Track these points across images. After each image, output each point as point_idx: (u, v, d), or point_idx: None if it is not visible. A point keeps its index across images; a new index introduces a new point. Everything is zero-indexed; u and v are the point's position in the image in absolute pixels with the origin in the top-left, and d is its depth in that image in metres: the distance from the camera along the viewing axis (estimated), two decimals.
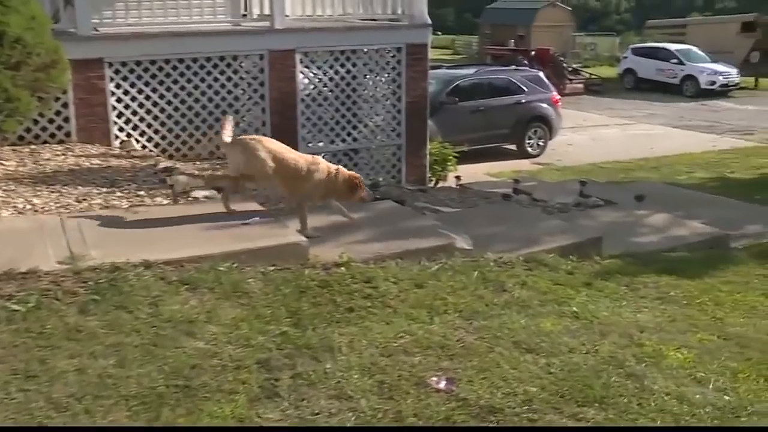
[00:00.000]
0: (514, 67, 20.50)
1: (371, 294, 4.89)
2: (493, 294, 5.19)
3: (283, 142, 6.21)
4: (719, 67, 29.96)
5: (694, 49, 31.57)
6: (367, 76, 10.53)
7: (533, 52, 31.02)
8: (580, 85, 30.23)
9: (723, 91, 29.39)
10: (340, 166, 6.15)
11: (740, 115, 24.48)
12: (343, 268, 5.24)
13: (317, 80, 10.09)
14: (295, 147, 9.79)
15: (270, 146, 5.95)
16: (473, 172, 13.76)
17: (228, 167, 6.24)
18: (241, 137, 6.18)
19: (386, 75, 10.61)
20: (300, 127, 9.94)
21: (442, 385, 3.79)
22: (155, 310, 4.32)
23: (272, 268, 5.11)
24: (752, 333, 4.95)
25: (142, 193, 6.71)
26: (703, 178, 14.25)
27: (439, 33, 46.77)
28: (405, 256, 5.66)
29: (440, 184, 12.11)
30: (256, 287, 4.78)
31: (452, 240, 6.14)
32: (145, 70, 8.98)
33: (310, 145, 9.98)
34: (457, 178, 11.73)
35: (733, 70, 30.15)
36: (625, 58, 33.34)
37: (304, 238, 5.58)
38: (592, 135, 20.56)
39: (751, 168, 15.61)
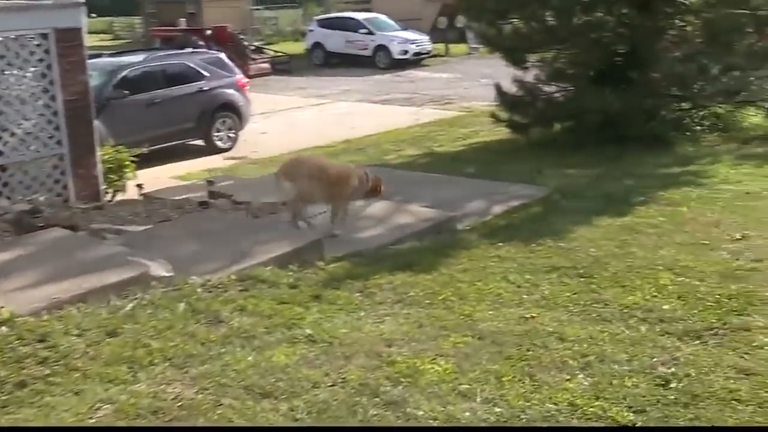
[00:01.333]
0: (190, 49, 19.92)
1: (48, 357, 4.24)
2: (207, 329, 4.76)
3: None
4: (410, 35, 31.61)
5: (382, 17, 33.05)
6: (6, 72, 9.43)
7: (209, 31, 30.56)
8: (266, 65, 30.32)
9: (416, 60, 31.08)
10: (366, 169, 8.19)
11: (436, 84, 26.01)
12: (4, 328, 4.50)
13: None
14: None
15: (311, 163, 7.93)
16: (157, 177, 13.05)
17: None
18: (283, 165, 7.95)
19: (32, 69, 9.58)
20: None
21: None
22: None
23: None
24: (504, 326, 5.01)
25: None
26: (413, 155, 14.78)
27: (94, 15, 44.67)
28: (88, 297, 5.06)
29: (120, 197, 11.30)
30: None
31: (145, 267, 5.62)
32: None
33: None
34: (139, 186, 11.05)
35: (425, 38, 31.98)
36: (311, 31, 34.02)
37: None
38: (287, 120, 20.64)
39: (457, 139, 16.52)
